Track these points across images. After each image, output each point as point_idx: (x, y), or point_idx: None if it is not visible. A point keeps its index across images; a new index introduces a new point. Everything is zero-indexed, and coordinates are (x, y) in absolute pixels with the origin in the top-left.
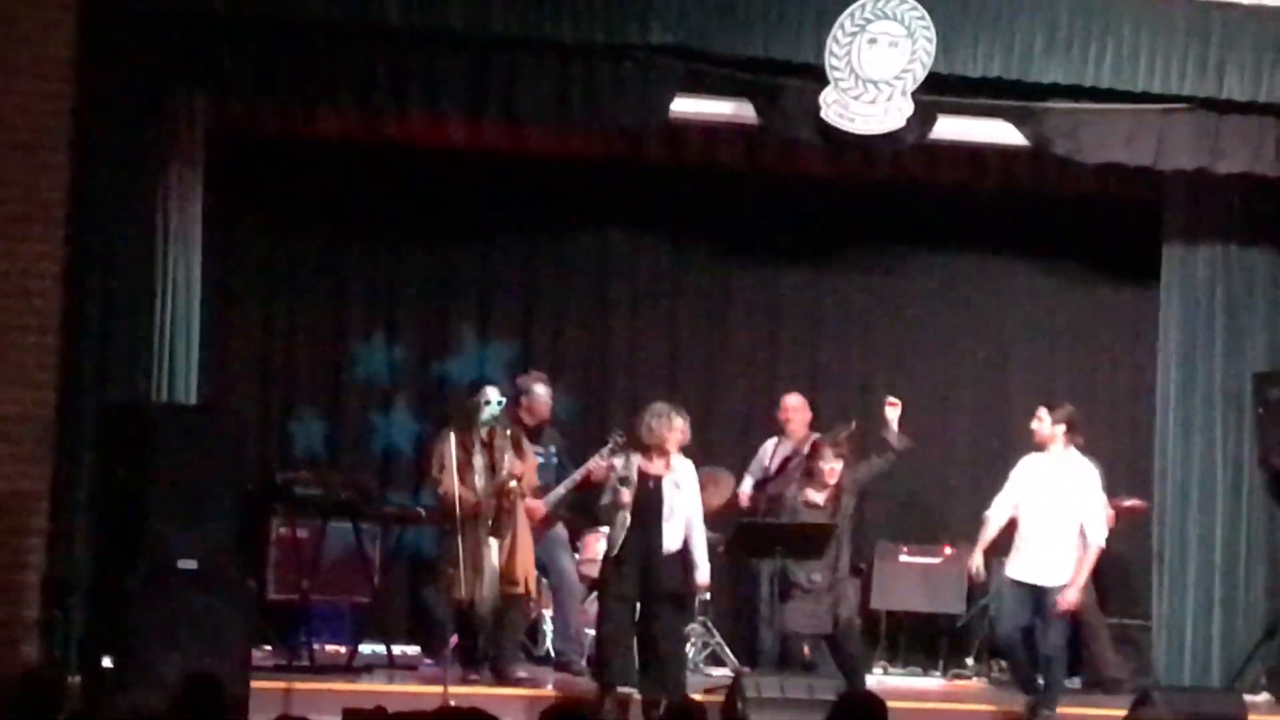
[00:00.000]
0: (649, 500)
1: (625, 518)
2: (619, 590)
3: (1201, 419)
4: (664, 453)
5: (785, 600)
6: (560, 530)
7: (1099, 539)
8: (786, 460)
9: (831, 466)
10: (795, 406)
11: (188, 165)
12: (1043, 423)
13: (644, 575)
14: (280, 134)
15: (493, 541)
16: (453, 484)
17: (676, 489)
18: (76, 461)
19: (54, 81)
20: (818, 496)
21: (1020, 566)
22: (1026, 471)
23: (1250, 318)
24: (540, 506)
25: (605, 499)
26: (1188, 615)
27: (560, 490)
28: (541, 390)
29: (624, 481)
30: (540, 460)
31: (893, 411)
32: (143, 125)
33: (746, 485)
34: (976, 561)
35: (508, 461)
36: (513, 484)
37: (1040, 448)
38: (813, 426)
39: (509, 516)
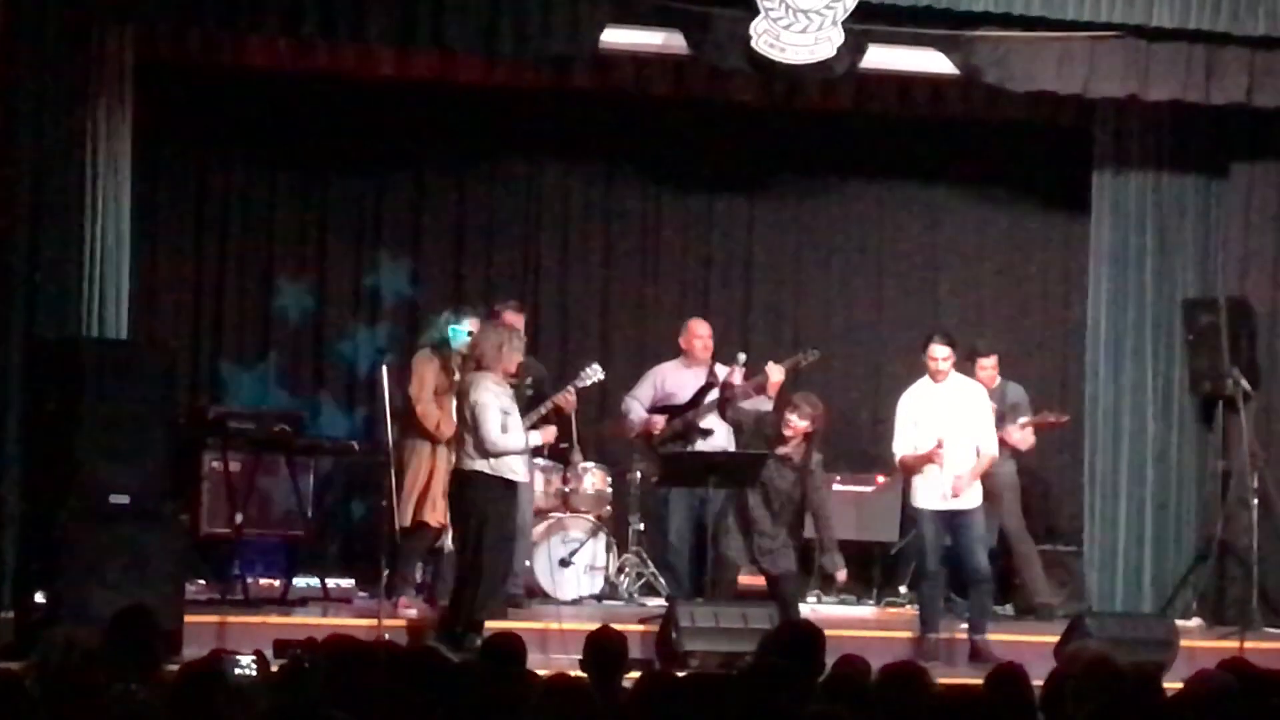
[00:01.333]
0: None
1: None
2: (510, 520)
3: (1132, 345)
4: (516, 375)
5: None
6: None
7: (991, 450)
8: (704, 389)
9: (795, 423)
10: (707, 334)
11: (115, 98)
12: (950, 360)
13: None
14: (209, 66)
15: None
16: (431, 408)
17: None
18: (6, 397)
19: None
20: (786, 448)
21: (935, 497)
22: (919, 403)
23: (1180, 244)
24: None
25: (508, 433)
26: (1119, 541)
27: (525, 423)
28: (514, 319)
29: (538, 416)
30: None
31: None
32: (69, 58)
33: (638, 411)
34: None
35: None
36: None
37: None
38: (748, 354)
39: None
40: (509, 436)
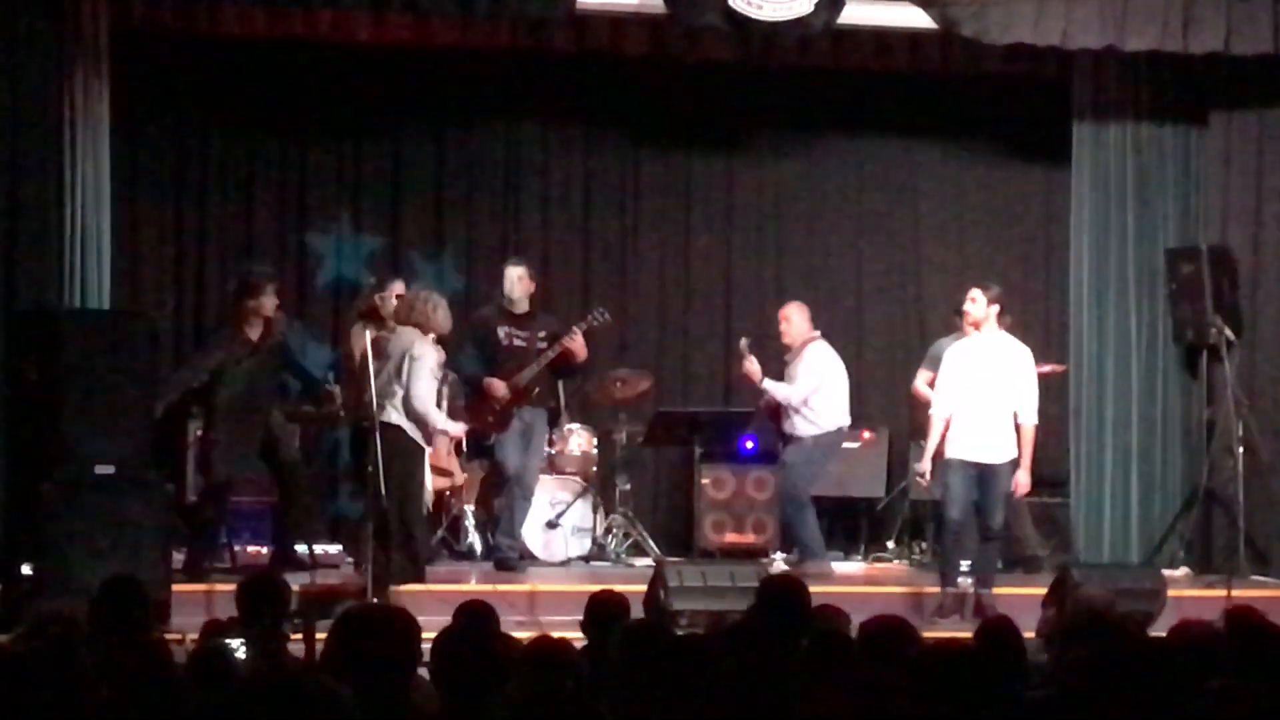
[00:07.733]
0: None
1: None
2: (420, 484)
3: (1115, 296)
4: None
5: None
6: (540, 418)
7: (1033, 419)
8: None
9: None
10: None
11: (92, 67)
12: (976, 304)
13: None
14: (185, 32)
15: None
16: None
17: None
18: None
19: None
20: None
21: (967, 446)
22: (959, 356)
23: (1161, 194)
24: (499, 384)
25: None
26: (1106, 492)
27: (533, 367)
28: (511, 272)
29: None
30: (523, 344)
31: None
32: (45, 27)
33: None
34: (927, 465)
35: None
36: None
37: (973, 328)
38: (729, 316)
39: None
40: (432, 404)
